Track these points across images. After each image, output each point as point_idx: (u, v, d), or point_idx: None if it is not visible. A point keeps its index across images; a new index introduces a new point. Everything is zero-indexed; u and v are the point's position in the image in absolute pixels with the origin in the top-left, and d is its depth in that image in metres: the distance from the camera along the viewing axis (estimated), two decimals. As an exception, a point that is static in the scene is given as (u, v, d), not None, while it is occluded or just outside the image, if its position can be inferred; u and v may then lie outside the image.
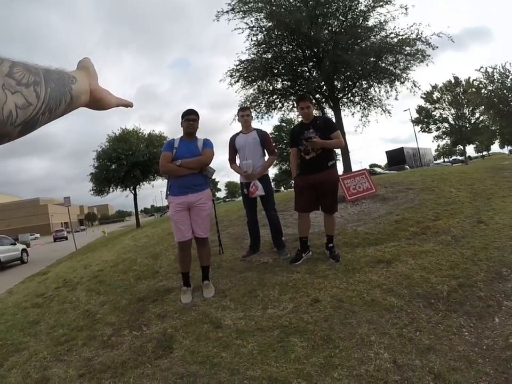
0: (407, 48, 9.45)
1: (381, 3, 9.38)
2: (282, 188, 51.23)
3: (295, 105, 5.11)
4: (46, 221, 76.27)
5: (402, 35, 9.40)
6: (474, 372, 1.98)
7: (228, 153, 4.75)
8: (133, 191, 22.83)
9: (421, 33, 9.31)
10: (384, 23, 9.63)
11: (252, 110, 5.32)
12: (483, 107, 26.11)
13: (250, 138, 4.53)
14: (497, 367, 2.01)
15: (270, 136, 4.91)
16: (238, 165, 4.64)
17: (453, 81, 34.30)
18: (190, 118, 3.64)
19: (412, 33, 9.35)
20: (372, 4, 9.45)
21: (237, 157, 4.71)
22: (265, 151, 4.63)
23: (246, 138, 4.56)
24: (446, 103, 35.12)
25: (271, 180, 4.84)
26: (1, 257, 14.42)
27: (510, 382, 1.88)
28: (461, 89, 33.55)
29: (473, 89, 28.98)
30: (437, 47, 9.44)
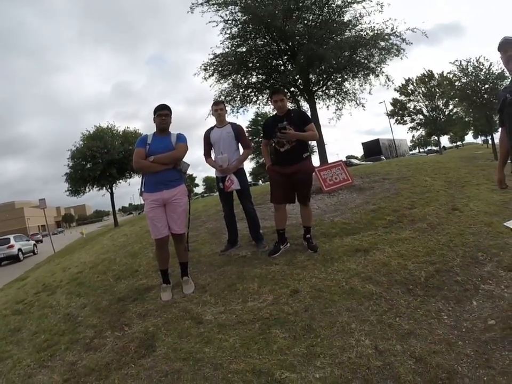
0: (382, 42, 9.54)
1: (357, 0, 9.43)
2: (260, 182, 51.25)
3: (269, 98, 5.10)
4: (23, 224, 74.15)
5: (377, 30, 9.48)
6: (455, 354, 2.04)
7: (202, 148, 4.71)
8: (109, 190, 22.43)
9: (396, 28, 9.43)
10: (359, 18, 9.69)
11: (226, 104, 5.29)
12: (457, 99, 26.70)
13: (225, 133, 4.51)
14: (477, 348, 2.07)
15: (246, 130, 4.88)
16: (213, 159, 4.61)
17: (426, 74, 34.99)
18: (162, 114, 3.59)
19: (386, 28, 9.45)
20: (349, 0, 9.49)
21: (212, 151, 4.68)
22: (240, 145, 4.62)
23: (221, 132, 4.53)
24: (421, 95, 35.79)
25: (247, 174, 4.82)
26: (22, 249, 19.89)
27: (491, 362, 1.94)
28: (435, 82, 34.25)
29: (446, 81, 29.57)
30: (411, 43, 9.59)
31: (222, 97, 10.56)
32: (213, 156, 4.67)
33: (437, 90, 34.23)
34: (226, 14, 9.77)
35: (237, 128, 4.57)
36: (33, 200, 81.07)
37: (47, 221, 22.04)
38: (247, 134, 4.93)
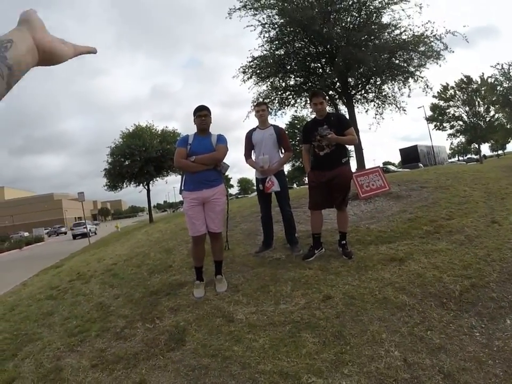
0: (422, 47, 9.33)
1: (395, 0, 9.26)
2: (295, 185, 51.07)
3: (308, 101, 5.09)
4: (60, 215, 77.26)
5: (417, 32, 9.27)
6: (484, 373, 1.98)
7: (243, 148, 4.76)
8: (146, 187, 23.03)
9: (436, 31, 9.19)
10: (398, 21, 9.51)
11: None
12: (498, 105, 25.48)
13: (267, 134, 4.54)
14: (507, 369, 2.00)
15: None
16: (254, 160, 4.65)
17: (464, 79, 33.73)
18: (201, 114, 3.67)
19: (426, 30, 9.23)
20: (387, 1, 9.33)
21: (252, 152, 4.72)
22: (282, 147, 4.63)
23: (263, 134, 4.57)
24: (459, 101, 34.55)
25: (286, 177, 4.83)
26: (91, 229, 28.83)
27: (519, 384, 1.88)
28: (474, 87, 32.95)
29: (486, 86, 28.33)
30: (453, 51, 9.34)
31: (261, 100, 10.61)
32: (253, 157, 4.71)
33: (477, 95, 32.92)
34: (263, 18, 9.89)
35: (279, 130, 4.60)
36: (71, 193, 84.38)
37: (84, 213, 22.87)
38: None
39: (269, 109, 4.90)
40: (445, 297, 2.84)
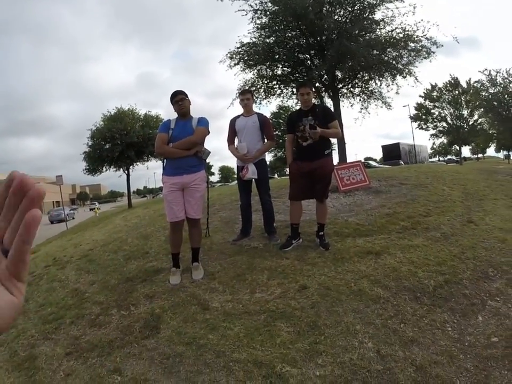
0: (412, 44, 9.39)
1: None
2: (276, 175, 51.11)
3: (295, 91, 5.07)
4: (37, 198, 75.32)
5: (408, 30, 9.33)
6: (455, 367, 2.02)
7: (227, 134, 4.75)
8: (126, 172, 22.66)
9: (427, 31, 9.26)
10: (392, 18, 9.54)
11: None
12: (482, 109, 25.97)
13: (251, 122, 4.52)
14: (478, 364, 2.05)
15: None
16: (236, 147, 4.63)
17: (452, 81, 34.25)
18: (177, 100, 3.61)
19: (418, 29, 9.28)
20: None
21: (236, 139, 4.70)
22: (264, 135, 4.61)
23: (246, 121, 4.55)
24: (446, 102, 35.07)
25: (267, 166, 4.80)
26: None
27: (489, 379, 1.92)
28: (460, 90, 33.50)
29: (472, 90, 28.83)
30: (442, 46, 9.42)
31: (246, 87, 10.51)
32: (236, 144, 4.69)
33: (462, 98, 33.50)
34: (256, 4, 9.73)
35: (263, 118, 4.59)
36: (49, 176, 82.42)
37: (62, 197, 22.41)
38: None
39: (254, 97, 4.85)
40: (419, 292, 2.89)
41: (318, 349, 2.25)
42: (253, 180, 4.53)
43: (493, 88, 21.63)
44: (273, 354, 2.23)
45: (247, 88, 10.30)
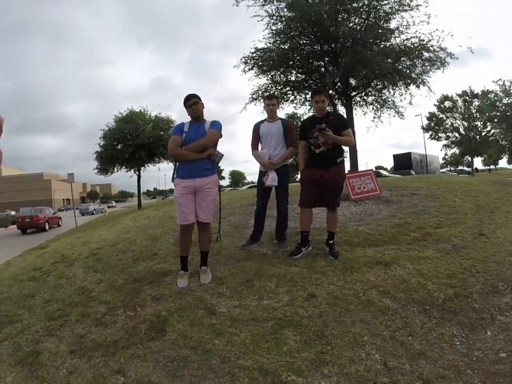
0: (426, 54, 9.34)
1: (405, 7, 9.24)
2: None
3: (310, 98, 5.06)
4: (49, 196, 76.26)
5: (423, 40, 9.27)
6: (462, 382, 1.99)
7: (251, 139, 4.74)
8: (137, 172, 22.82)
9: (442, 41, 9.19)
10: (406, 27, 9.50)
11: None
12: (496, 120, 25.71)
13: (275, 128, 4.51)
14: (485, 379, 2.01)
15: None
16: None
17: (468, 92, 33.98)
18: (191, 103, 3.60)
19: (433, 39, 9.23)
20: (397, 7, 9.31)
21: (259, 144, 4.70)
22: (287, 141, 4.55)
23: (271, 127, 4.54)
24: (458, 113, 34.79)
25: (289, 172, 4.77)
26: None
27: (497, 395, 1.89)
28: (475, 101, 33.21)
29: (486, 101, 28.60)
30: (457, 58, 9.35)
31: (260, 92, 10.55)
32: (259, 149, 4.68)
33: (476, 109, 33.20)
34: (272, 9, 9.76)
35: (286, 124, 4.57)
36: (61, 174, 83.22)
37: (73, 195, 22.61)
38: None
39: (279, 103, 4.84)
40: (428, 304, 2.85)
41: (324, 358, 2.23)
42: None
43: (507, 99, 21.44)
44: (279, 362, 2.22)
45: (271, 93, 10.22)
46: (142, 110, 22.59)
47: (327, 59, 10.36)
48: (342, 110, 11.01)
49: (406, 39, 9.53)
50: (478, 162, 75.41)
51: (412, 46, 9.30)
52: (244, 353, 2.34)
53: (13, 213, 42.94)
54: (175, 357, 2.39)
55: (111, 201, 71.98)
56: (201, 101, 3.69)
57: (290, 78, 10.82)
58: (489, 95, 27.19)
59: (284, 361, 2.22)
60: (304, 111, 11.92)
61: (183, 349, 2.47)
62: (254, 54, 10.11)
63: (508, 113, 21.09)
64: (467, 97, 34.05)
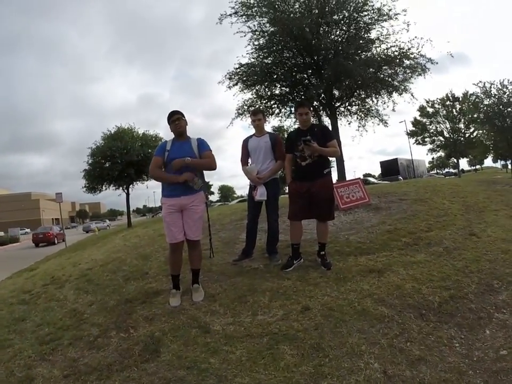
0: (407, 61, 9.52)
1: (384, 17, 9.45)
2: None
3: (294, 111, 5.10)
4: (37, 216, 75.26)
5: (403, 48, 9.46)
6: (465, 384, 1.98)
7: (240, 155, 4.77)
8: (125, 190, 22.67)
9: (422, 48, 9.39)
10: (386, 36, 9.69)
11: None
12: (479, 121, 26.37)
13: (262, 142, 4.52)
14: (488, 379, 2.02)
15: None
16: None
17: (450, 97, 34.72)
18: (174, 119, 3.60)
19: (412, 46, 9.41)
20: (376, 18, 9.51)
21: (249, 159, 4.72)
22: (275, 155, 4.55)
23: (259, 141, 4.55)
24: (442, 117, 35.47)
25: (279, 185, 4.77)
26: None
27: (500, 394, 1.88)
28: (457, 104, 33.97)
29: (470, 104, 29.23)
30: (437, 63, 9.55)
31: (245, 107, 10.66)
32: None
33: (458, 112, 33.94)
34: (254, 25, 9.92)
35: (274, 138, 4.58)
36: (49, 193, 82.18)
37: (62, 215, 22.37)
38: None
39: (265, 117, 4.86)
40: (424, 309, 2.86)
41: (322, 371, 2.19)
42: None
43: (488, 100, 22.02)
44: (277, 378, 2.17)
45: (256, 108, 10.37)
46: (130, 127, 22.57)
47: (310, 71, 10.51)
48: (327, 120, 11.17)
49: (387, 48, 9.72)
50: (463, 163, 76.71)
51: (392, 54, 9.50)
52: (241, 371, 2.29)
53: (1, 233, 42.21)
54: (170, 378, 2.33)
55: (105, 220, 71.30)
56: (184, 117, 3.69)
57: (274, 91, 10.95)
58: (470, 97, 27.82)
59: (281, 377, 2.18)
60: (290, 124, 12.04)
61: (178, 370, 2.41)
62: (238, 70, 10.23)
63: (490, 114, 21.61)
64: (449, 102, 34.77)
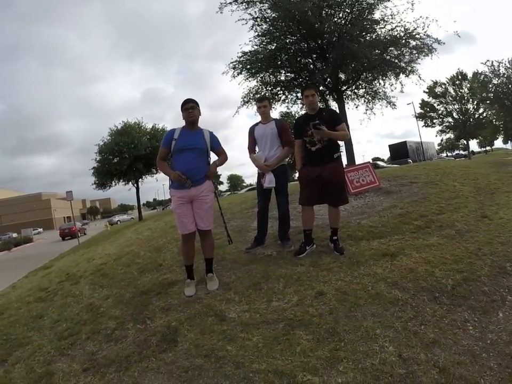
0: (413, 42, 9.34)
1: None
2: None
3: (300, 95, 5.07)
4: (49, 215, 76.25)
5: (408, 28, 9.28)
6: (479, 366, 1.98)
7: (247, 142, 4.76)
8: (135, 185, 22.82)
9: (427, 27, 9.20)
10: (391, 16, 9.50)
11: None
12: (488, 101, 25.84)
13: (268, 129, 4.50)
14: (501, 361, 2.01)
15: None
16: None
17: (459, 76, 34.06)
18: (188, 107, 3.55)
19: (418, 26, 9.23)
20: None
21: (256, 147, 4.71)
22: (282, 141, 4.53)
23: (265, 128, 4.54)
24: (450, 98, 34.87)
25: (287, 172, 4.74)
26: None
27: (514, 376, 1.88)
28: (466, 84, 33.32)
29: (478, 84, 28.67)
30: (444, 43, 9.35)
31: (251, 95, 10.53)
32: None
33: (467, 92, 33.31)
34: (255, 12, 9.76)
35: (280, 124, 4.55)
36: (59, 192, 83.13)
37: (73, 212, 22.60)
38: None
39: (271, 104, 4.83)
40: (437, 292, 2.84)
41: (338, 355, 2.21)
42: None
43: (496, 79, 21.59)
44: (293, 363, 2.20)
45: (261, 95, 10.22)
46: (138, 122, 22.62)
47: (314, 56, 10.34)
48: (334, 105, 11.02)
49: (392, 29, 9.51)
50: (473, 144, 75.58)
51: (398, 35, 9.30)
52: (258, 357, 2.32)
53: (14, 235, 43.06)
54: (189, 367, 2.37)
55: (129, 212, 71.79)
56: (198, 106, 3.65)
57: (280, 78, 10.80)
58: (479, 77, 27.28)
59: (298, 362, 2.20)
60: (297, 110, 11.92)
61: (196, 358, 2.45)
62: (242, 58, 10.09)
63: (499, 94, 21.21)
64: (457, 81, 34.15)
